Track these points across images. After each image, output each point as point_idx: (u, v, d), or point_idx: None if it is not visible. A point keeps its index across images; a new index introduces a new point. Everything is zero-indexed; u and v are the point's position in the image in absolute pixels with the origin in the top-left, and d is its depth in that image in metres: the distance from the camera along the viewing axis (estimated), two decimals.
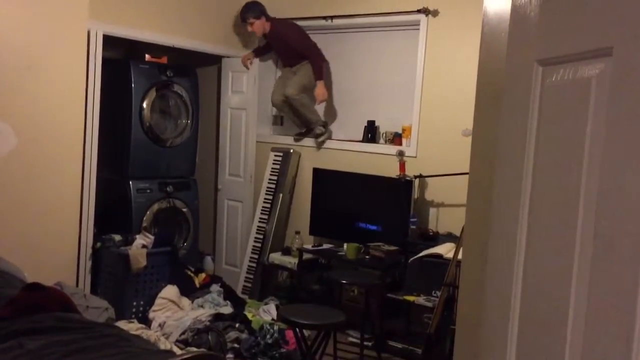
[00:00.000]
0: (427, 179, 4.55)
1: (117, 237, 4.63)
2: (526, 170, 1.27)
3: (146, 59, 5.17)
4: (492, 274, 1.42)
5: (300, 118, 5.34)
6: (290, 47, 5.23)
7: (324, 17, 5.13)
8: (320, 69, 5.12)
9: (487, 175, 1.98)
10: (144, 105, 5.06)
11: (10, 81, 3.84)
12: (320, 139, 5.23)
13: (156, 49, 5.21)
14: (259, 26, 5.20)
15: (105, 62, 4.60)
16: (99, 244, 4.53)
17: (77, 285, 4.36)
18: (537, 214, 1.22)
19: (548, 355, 1.14)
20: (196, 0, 5.19)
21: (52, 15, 4.01)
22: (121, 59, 5.23)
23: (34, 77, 3.95)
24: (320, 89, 5.07)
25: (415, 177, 4.52)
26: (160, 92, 5.18)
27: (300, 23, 5.26)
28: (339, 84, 5.32)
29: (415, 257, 4.10)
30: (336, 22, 5.10)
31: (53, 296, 2.47)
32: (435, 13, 4.57)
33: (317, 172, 5.06)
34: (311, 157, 5.27)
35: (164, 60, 5.30)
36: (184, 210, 5.42)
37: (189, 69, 5.52)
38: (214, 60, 5.70)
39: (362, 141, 5.03)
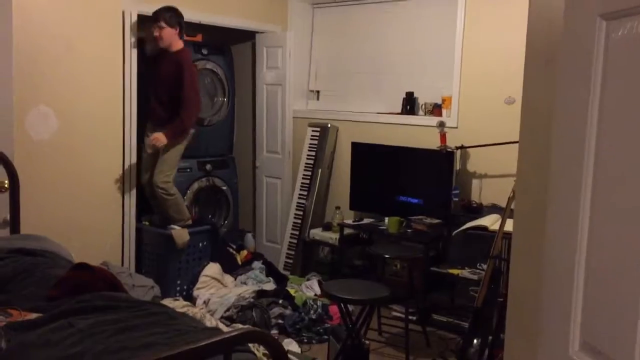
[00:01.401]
0: (469, 149, 4.44)
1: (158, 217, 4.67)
2: (589, 135, 1.19)
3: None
4: (552, 245, 1.35)
5: (162, 213, 4.55)
6: (174, 85, 4.26)
7: None
8: (184, 131, 4.35)
9: (539, 144, 1.90)
10: None
11: (50, 65, 3.87)
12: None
13: (191, 27, 5.18)
14: (169, 36, 4.30)
15: (141, 42, 4.61)
16: (143, 223, 4.58)
17: (122, 264, 4.42)
18: (604, 184, 1.14)
19: (616, 330, 1.08)
20: None
21: None
22: None
23: (72, 60, 3.98)
24: (160, 136, 4.24)
25: (457, 148, 4.42)
26: (197, 70, 5.15)
27: None
28: (374, 55, 5.21)
29: (459, 229, 4.02)
30: None
31: (100, 276, 2.49)
32: None
33: (355, 146, 4.99)
34: (349, 131, 5.20)
35: (199, 38, 5.28)
36: (224, 188, 5.44)
37: (224, 46, 5.49)
38: (248, 37, 5.64)
39: (401, 113, 4.93)
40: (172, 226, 4.48)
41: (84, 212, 4.11)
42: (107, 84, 4.18)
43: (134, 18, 4.34)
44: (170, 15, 4.28)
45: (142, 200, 4.67)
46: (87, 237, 4.09)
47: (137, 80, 4.40)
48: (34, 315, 2.14)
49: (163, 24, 4.25)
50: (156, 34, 4.26)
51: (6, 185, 3.16)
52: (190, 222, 4.56)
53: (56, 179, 3.95)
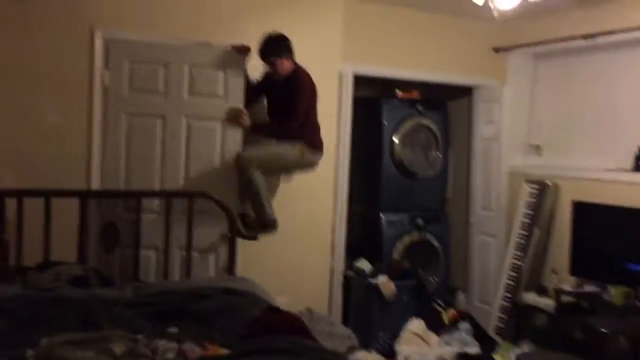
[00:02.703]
0: None
1: (367, 267, 4.78)
2: None
3: (397, 95, 5.32)
4: None
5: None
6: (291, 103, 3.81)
7: (584, 37, 4.67)
8: (276, 132, 3.87)
9: None
10: (395, 139, 5.19)
11: None
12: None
13: (407, 84, 5.33)
14: (286, 65, 3.86)
15: (358, 100, 4.87)
16: (349, 273, 4.73)
17: (329, 311, 4.59)
18: None
19: None
20: (446, 34, 5.18)
21: (308, 59, 4.35)
22: (374, 97, 5.45)
23: None
24: (246, 115, 3.82)
25: None
26: (410, 126, 5.26)
27: (550, 46, 4.89)
28: (601, 107, 4.77)
29: None
30: (596, 40, 4.60)
31: (290, 320, 2.62)
32: None
33: (578, 205, 4.57)
34: (570, 189, 4.79)
35: (415, 95, 5.38)
36: (435, 243, 5.37)
37: (439, 102, 5.52)
38: (465, 92, 5.60)
39: (632, 170, 4.41)
40: (380, 278, 4.54)
41: (295, 257, 4.36)
42: (323, 140, 4.45)
43: (350, 78, 4.61)
44: (280, 46, 3.84)
45: (351, 249, 4.83)
46: (295, 282, 4.32)
47: (349, 140, 4.67)
48: (225, 351, 2.33)
49: (276, 60, 3.81)
50: (274, 69, 3.84)
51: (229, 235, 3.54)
52: (272, 229, 3.85)
53: None
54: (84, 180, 3.65)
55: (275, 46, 3.81)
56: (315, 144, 3.94)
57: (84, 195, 3.25)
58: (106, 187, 3.65)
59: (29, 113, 3.61)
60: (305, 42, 4.32)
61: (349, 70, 4.63)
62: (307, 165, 3.99)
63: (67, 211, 3.24)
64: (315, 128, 3.95)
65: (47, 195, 3.10)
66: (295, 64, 3.90)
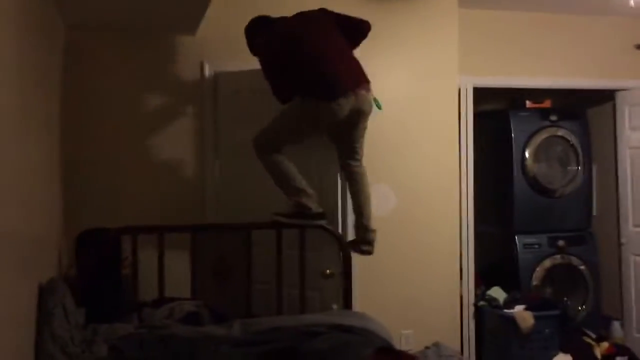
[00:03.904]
0: None
1: (501, 296, 4.36)
2: None
3: (527, 106, 4.91)
4: None
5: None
6: None
7: None
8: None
9: None
10: (527, 154, 4.77)
11: (388, 145, 4.04)
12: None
13: (538, 93, 4.91)
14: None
15: (483, 114, 4.53)
16: (481, 303, 4.34)
17: (461, 345, 4.22)
18: None
19: None
20: (579, 34, 4.70)
21: (426, 75, 4.13)
22: (501, 109, 5.07)
23: (409, 136, 4.09)
24: None
25: None
26: (543, 139, 4.81)
27: None
28: None
29: None
30: None
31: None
32: None
33: None
34: None
35: (547, 104, 4.94)
36: (581, 267, 4.84)
37: (576, 110, 5.01)
38: (606, 97, 5.02)
39: None
40: (516, 307, 4.13)
41: (419, 287, 4.07)
42: (443, 159, 4.16)
43: (470, 92, 4.30)
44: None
45: (482, 275, 4.47)
46: (421, 314, 4.04)
47: (472, 157, 4.35)
48: None
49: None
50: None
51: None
52: (311, 212, 3.21)
53: (392, 255, 4.03)
54: (199, 214, 3.66)
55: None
56: (311, 92, 3.11)
57: (195, 230, 3.23)
58: (220, 221, 3.63)
59: (145, 149, 3.71)
60: (420, 57, 4.11)
61: (468, 83, 4.32)
62: (326, 114, 3.10)
63: (183, 245, 3.25)
64: (303, 77, 3.14)
65: (161, 230, 3.11)
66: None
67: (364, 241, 3.35)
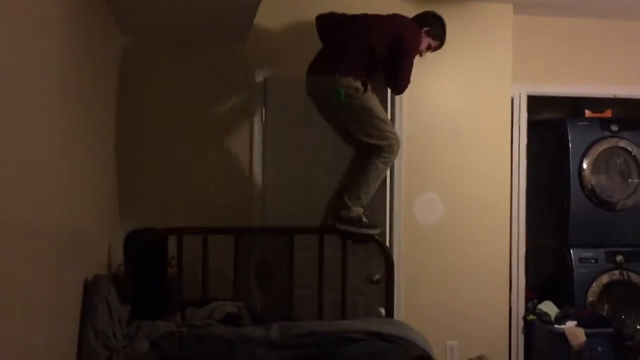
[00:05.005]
0: None
1: (553, 311, 4.22)
2: None
3: (585, 115, 4.74)
4: None
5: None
6: None
7: None
8: None
9: None
10: (584, 165, 4.59)
11: (438, 153, 4.00)
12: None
13: (599, 103, 4.73)
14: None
15: (539, 123, 4.41)
16: (530, 317, 4.21)
17: (509, 359, 4.12)
18: None
19: None
20: (638, 41, 4.51)
21: (478, 84, 4.07)
22: (559, 118, 4.92)
23: (459, 147, 4.03)
24: None
25: None
26: (603, 149, 4.63)
27: None
28: None
29: None
30: None
31: None
32: None
33: None
34: None
35: (608, 114, 4.75)
36: None
37: (639, 121, 4.79)
38: None
39: None
40: (567, 324, 3.98)
41: (468, 298, 4.00)
42: (494, 168, 4.08)
43: (524, 100, 4.19)
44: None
45: (534, 289, 4.34)
46: (469, 325, 3.96)
47: (525, 167, 4.24)
48: None
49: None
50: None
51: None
52: (372, 232, 3.25)
53: (440, 264, 3.98)
54: (245, 218, 3.72)
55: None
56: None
57: (239, 232, 3.29)
58: (268, 224, 3.67)
59: (197, 154, 3.80)
60: (473, 64, 4.05)
61: (522, 91, 4.21)
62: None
63: (228, 247, 3.30)
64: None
65: (205, 232, 3.18)
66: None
67: (335, 216, 3.20)
